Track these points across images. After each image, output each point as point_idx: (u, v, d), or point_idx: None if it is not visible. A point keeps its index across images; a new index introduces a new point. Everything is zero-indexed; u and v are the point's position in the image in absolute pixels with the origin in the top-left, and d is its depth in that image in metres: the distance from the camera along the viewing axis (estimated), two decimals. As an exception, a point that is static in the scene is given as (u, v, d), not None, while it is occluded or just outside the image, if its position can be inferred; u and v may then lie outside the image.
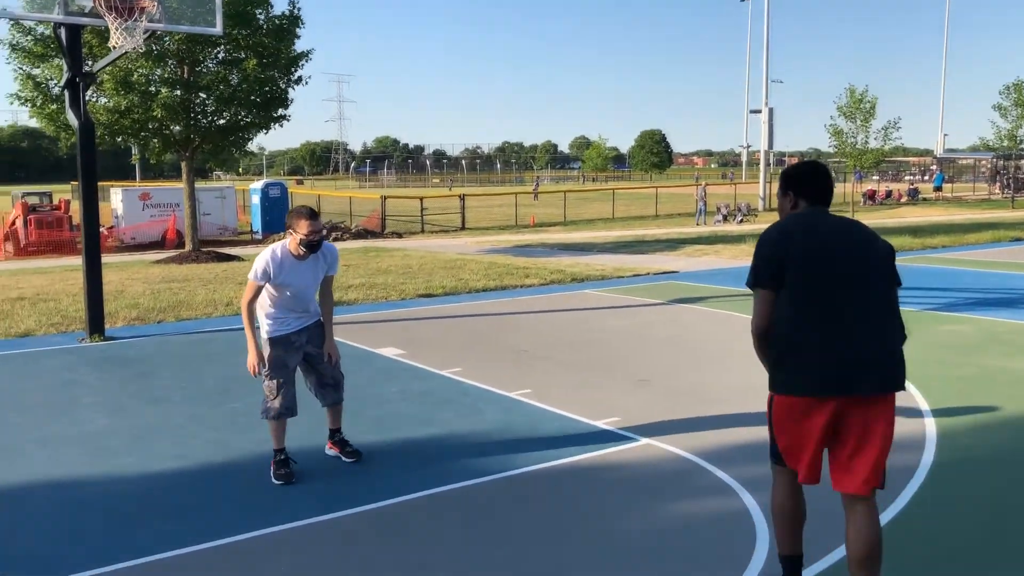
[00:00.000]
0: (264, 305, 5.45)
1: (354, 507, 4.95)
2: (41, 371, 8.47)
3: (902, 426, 4.94)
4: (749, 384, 7.42)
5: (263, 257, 5.34)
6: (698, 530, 4.58)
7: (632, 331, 10.14)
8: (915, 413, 6.57)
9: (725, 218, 32.03)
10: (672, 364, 8.44)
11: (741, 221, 31.56)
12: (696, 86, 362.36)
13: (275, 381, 5.42)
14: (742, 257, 18.18)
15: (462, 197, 32.53)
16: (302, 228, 5.26)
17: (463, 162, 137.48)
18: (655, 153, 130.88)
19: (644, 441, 6.04)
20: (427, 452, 5.93)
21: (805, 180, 3.72)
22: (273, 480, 5.40)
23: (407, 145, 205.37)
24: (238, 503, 5.10)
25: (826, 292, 3.40)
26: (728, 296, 12.65)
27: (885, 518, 4.54)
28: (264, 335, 5.45)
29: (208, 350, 9.40)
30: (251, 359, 5.38)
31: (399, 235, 27.49)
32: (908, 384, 7.05)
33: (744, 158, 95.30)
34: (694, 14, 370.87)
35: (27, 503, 5.14)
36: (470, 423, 6.57)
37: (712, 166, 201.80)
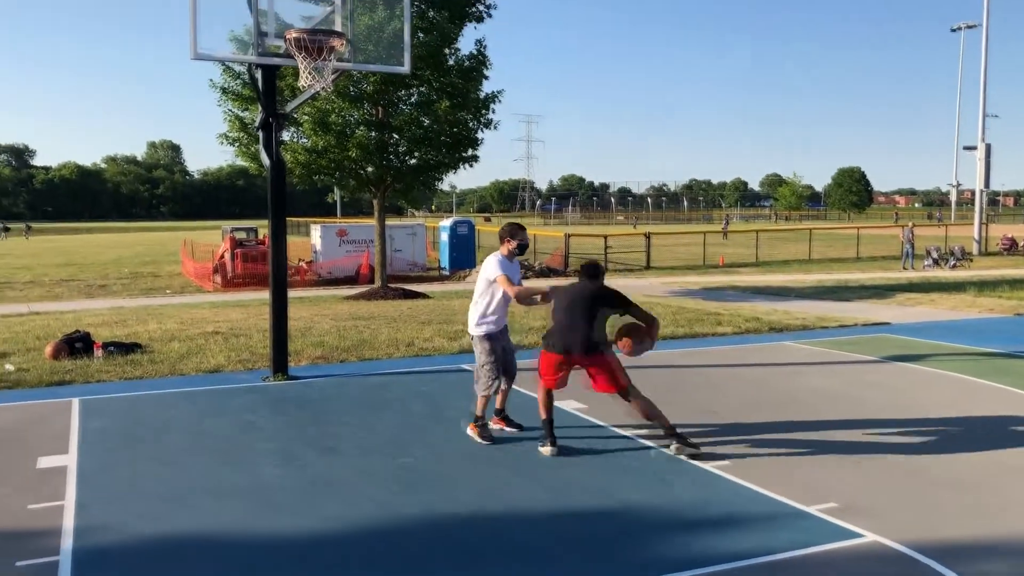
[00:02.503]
0: (482, 308, 7.20)
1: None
2: (223, 411, 8.46)
3: None
4: (993, 463, 6.22)
5: (497, 261, 7.14)
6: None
7: (843, 393, 9.00)
8: None
9: (936, 262, 29.37)
10: (894, 436, 7.30)
11: (954, 266, 28.82)
12: (898, 120, 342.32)
13: (494, 366, 7.22)
14: (963, 308, 16.31)
15: (647, 235, 31.69)
16: (518, 236, 7.22)
17: (648, 199, 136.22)
18: (854, 192, 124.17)
19: (871, 538, 5.04)
20: (605, 532, 5.22)
21: None
22: (479, 440, 7.18)
23: (592, 183, 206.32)
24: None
25: None
26: (953, 355, 11.16)
27: None
28: (484, 332, 7.21)
29: (385, 396, 9.14)
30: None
31: (583, 274, 26.97)
32: None
33: (953, 197, 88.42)
34: (896, 44, 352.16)
35: (185, 558, 4.87)
36: (656, 498, 5.81)
37: (915, 205, 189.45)
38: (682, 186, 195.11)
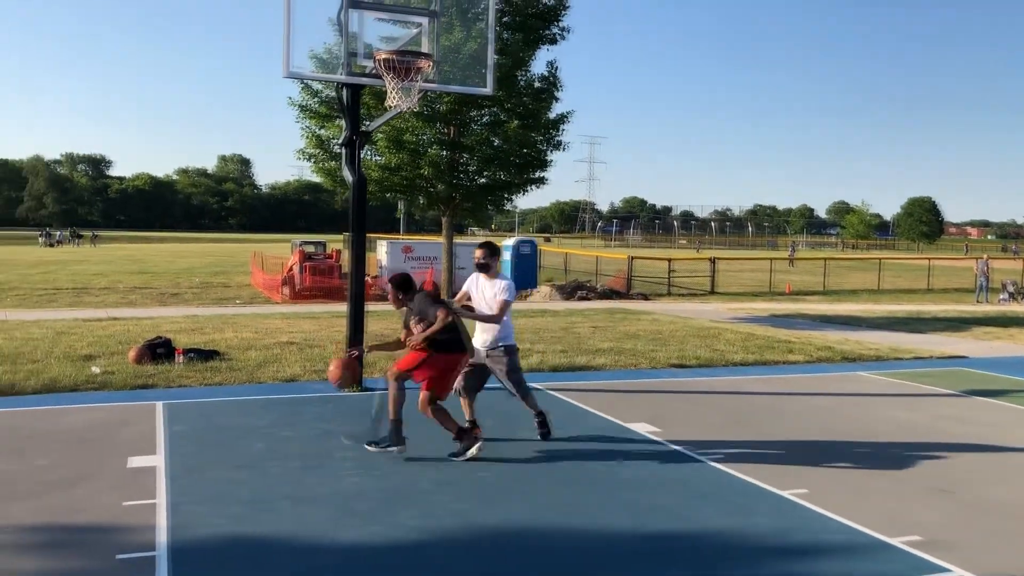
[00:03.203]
0: (506, 321, 7.62)
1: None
2: (302, 419, 8.66)
3: None
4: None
5: (510, 282, 7.63)
6: None
7: (921, 426, 8.84)
8: None
9: (1012, 296, 28.54)
10: (975, 471, 7.14)
11: (1032, 301, 27.98)
12: (972, 149, 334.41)
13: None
14: (1044, 344, 15.83)
15: (713, 260, 31.42)
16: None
17: (712, 224, 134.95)
18: (924, 222, 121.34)
19: (958, 572, 4.96)
20: (684, 556, 5.23)
21: None
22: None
23: (654, 205, 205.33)
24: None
25: None
26: (1035, 391, 10.87)
27: None
28: (512, 343, 7.73)
29: (457, 409, 9.23)
30: None
31: (646, 297, 26.88)
32: None
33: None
34: (972, 70, 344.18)
35: (270, 561, 5.01)
36: (736, 524, 5.78)
37: (989, 237, 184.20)
38: (746, 211, 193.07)
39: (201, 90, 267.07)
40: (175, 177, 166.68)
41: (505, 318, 7.63)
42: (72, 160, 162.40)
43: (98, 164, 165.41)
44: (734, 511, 6.04)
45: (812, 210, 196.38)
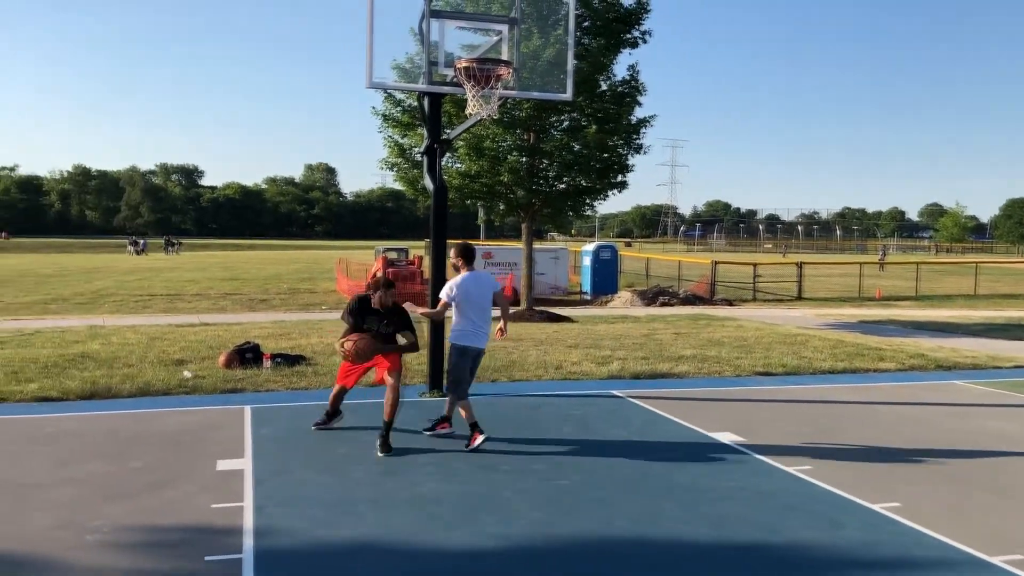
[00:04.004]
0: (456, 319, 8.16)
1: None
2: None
3: None
4: None
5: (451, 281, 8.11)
6: None
7: (1023, 438, 8.43)
8: None
9: (1123, 301, 27.08)
10: (1085, 488, 6.77)
11: None
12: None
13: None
14: None
15: (799, 264, 30.68)
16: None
17: (798, 227, 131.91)
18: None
19: (1065, 596, 4.71)
20: (771, 569, 5.08)
21: None
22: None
23: (738, 209, 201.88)
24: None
25: None
26: None
27: None
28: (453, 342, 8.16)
29: (536, 417, 9.22)
30: None
31: (729, 302, 26.41)
32: None
33: None
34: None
35: (353, 565, 5.07)
36: (824, 538, 5.59)
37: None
38: (834, 214, 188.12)
39: (288, 101, 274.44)
40: (264, 186, 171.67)
41: (454, 315, 8.19)
42: (166, 170, 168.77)
43: (190, 174, 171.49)
44: (822, 524, 5.86)
45: (903, 213, 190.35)
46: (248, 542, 5.40)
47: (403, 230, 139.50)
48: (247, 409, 9.32)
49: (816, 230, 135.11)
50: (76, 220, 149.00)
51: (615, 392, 10.49)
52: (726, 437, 8.26)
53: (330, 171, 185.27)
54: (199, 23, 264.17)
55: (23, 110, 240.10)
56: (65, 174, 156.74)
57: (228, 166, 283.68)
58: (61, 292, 27.54)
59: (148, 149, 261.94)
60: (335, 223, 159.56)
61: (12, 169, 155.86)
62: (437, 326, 10.17)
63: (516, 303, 23.79)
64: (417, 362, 12.11)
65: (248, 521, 5.77)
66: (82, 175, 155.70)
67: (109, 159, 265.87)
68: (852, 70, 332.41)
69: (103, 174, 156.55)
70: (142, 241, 71.18)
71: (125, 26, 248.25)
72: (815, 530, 5.73)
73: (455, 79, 9.37)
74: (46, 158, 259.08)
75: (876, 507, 6.18)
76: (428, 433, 8.31)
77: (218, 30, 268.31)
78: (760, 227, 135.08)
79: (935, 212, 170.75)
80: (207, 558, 5.13)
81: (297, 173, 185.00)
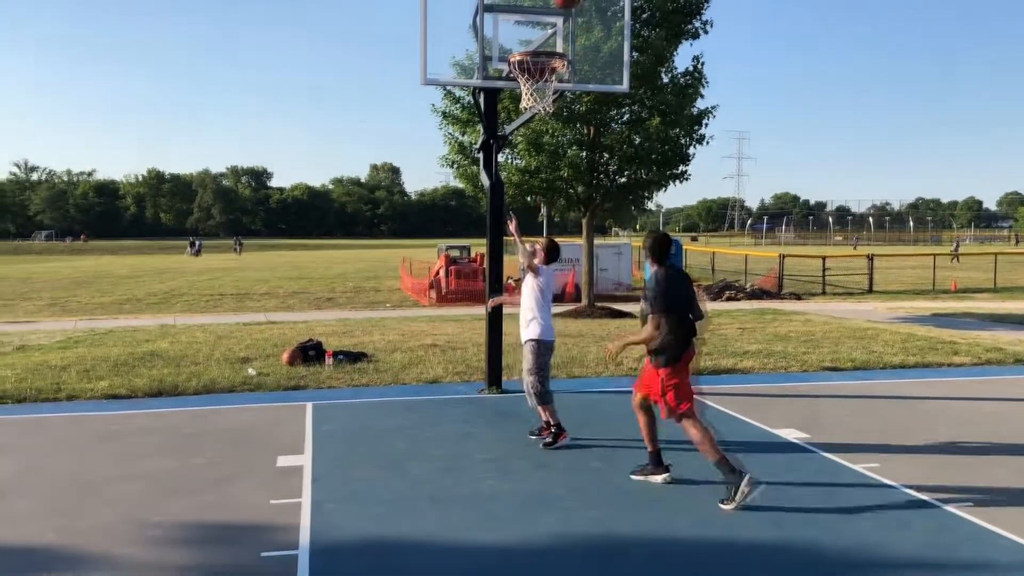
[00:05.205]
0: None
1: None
2: (443, 420, 8.76)
3: None
4: None
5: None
6: None
7: (1108, 435, 8.02)
8: None
9: None
10: None
11: None
12: None
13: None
14: None
15: (870, 257, 29.86)
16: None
17: (870, 219, 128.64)
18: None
19: None
20: (836, 569, 4.91)
21: None
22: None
23: (807, 201, 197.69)
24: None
25: None
26: None
27: None
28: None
29: (595, 414, 9.12)
30: None
31: (798, 296, 25.84)
32: None
33: None
34: None
35: (413, 565, 5.05)
36: (892, 538, 5.39)
37: None
38: (907, 205, 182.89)
39: (353, 102, 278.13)
40: (330, 186, 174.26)
41: (537, 311, 7.97)
42: (236, 172, 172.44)
43: (259, 176, 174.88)
44: (890, 523, 5.64)
45: (980, 203, 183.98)
46: (304, 538, 5.43)
47: (467, 227, 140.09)
48: (308, 406, 9.42)
49: (888, 221, 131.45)
50: (150, 222, 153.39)
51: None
52: (790, 434, 8.04)
53: (394, 171, 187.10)
54: (262, 27, 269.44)
55: (98, 116, 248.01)
56: (140, 178, 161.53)
57: (295, 167, 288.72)
58: (135, 292, 28.35)
59: (218, 152, 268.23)
60: (400, 222, 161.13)
61: (89, 174, 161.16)
62: (495, 320, 10.13)
63: (577, 299, 23.65)
64: (477, 359, 12.12)
65: (305, 517, 5.81)
66: (156, 179, 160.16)
67: (182, 163, 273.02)
68: (925, 57, 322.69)
69: (176, 177, 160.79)
70: (197, 242, 73.55)
71: (193, 36, 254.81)
72: (882, 531, 5.53)
73: (510, 74, 9.32)
74: (121, 162, 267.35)
75: (948, 507, 5.93)
76: (547, 447, 7.69)
77: (283, 37, 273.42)
78: (830, 219, 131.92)
79: (1015, 201, 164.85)
80: (263, 554, 5.18)
81: (363, 173, 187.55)
